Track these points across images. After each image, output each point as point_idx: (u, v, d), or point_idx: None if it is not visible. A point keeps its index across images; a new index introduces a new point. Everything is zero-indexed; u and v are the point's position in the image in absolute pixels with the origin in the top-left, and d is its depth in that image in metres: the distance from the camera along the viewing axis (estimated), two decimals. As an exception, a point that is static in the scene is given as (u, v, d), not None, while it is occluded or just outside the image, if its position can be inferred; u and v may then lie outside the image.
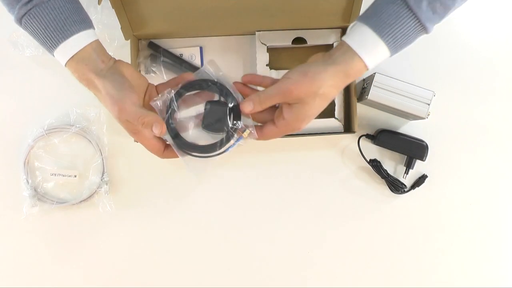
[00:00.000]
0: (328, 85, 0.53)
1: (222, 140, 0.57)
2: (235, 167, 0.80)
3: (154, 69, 0.77)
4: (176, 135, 0.58)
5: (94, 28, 0.57)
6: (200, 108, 0.59)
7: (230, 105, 0.57)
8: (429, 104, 0.71)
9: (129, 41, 0.74)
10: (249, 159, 0.80)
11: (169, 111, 0.58)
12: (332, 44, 0.76)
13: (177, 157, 0.58)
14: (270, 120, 0.58)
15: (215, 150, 0.57)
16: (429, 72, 0.79)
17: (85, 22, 0.55)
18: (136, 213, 0.80)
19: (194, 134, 0.59)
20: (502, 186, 0.79)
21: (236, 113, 0.57)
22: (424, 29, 0.53)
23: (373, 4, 0.55)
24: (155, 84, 0.61)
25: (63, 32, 0.53)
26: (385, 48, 0.53)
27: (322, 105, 0.55)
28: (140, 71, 0.78)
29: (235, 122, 0.57)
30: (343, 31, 0.76)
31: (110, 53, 0.77)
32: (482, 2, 0.80)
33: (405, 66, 0.78)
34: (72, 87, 0.80)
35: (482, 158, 0.79)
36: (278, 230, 0.80)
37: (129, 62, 0.75)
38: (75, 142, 0.80)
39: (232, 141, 0.57)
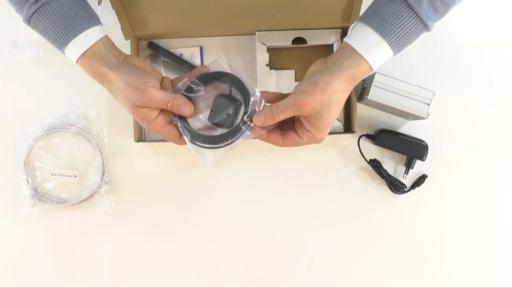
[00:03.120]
0: (340, 91, 0.53)
1: (230, 131, 0.57)
2: (235, 167, 0.80)
3: None
4: (186, 126, 0.58)
5: (102, 24, 0.58)
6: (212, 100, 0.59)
7: (239, 97, 0.57)
8: (429, 104, 0.71)
9: (129, 41, 0.74)
10: (249, 159, 0.80)
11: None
12: (332, 44, 0.76)
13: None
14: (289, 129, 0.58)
15: (224, 141, 0.57)
16: (429, 72, 0.79)
17: (93, 19, 0.56)
18: (136, 213, 0.80)
19: (204, 125, 0.59)
20: (502, 186, 0.79)
21: (248, 105, 0.57)
22: (426, 27, 0.53)
23: (372, 4, 0.55)
24: (172, 78, 0.61)
25: (73, 28, 0.53)
26: (388, 48, 0.53)
27: (337, 111, 0.55)
28: None
29: (246, 116, 0.56)
30: (343, 31, 0.76)
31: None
32: (482, 2, 0.80)
33: (405, 66, 0.78)
34: (72, 87, 0.80)
35: (482, 158, 0.79)
36: (278, 230, 0.80)
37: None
38: (75, 142, 0.80)
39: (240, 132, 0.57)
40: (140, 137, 0.77)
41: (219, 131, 0.58)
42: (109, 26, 0.77)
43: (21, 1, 0.53)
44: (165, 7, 0.70)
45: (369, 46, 0.53)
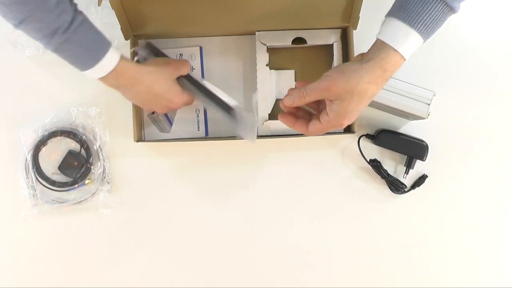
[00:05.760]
0: (365, 81, 0.54)
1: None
2: (236, 167, 0.80)
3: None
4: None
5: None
6: None
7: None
8: (429, 104, 0.71)
9: (129, 41, 0.74)
10: (250, 159, 0.80)
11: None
12: (332, 44, 0.76)
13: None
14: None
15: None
16: (429, 72, 0.79)
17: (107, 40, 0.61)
18: (136, 213, 0.80)
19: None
20: (502, 186, 0.79)
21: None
22: (452, 10, 0.54)
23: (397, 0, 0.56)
24: None
25: (101, 49, 0.59)
26: (417, 36, 0.54)
27: (361, 102, 0.56)
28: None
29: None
30: (343, 31, 0.76)
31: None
32: (482, 2, 0.80)
33: (405, 66, 0.77)
34: (72, 87, 0.80)
35: (482, 158, 0.79)
36: (278, 230, 0.80)
37: (129, 62, 0.75)
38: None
39: None
40: (140, 137, 0.77)
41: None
42: (109, 26, 0.77)
43: (47, 35, 0.55)
44: (165, 7, 0.70)
45: (399, 37, 0.54)
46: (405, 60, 0.55)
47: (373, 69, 0.54)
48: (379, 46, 0.55)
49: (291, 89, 0.60)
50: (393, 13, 0.55)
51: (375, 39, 0.56)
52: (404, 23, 0.53)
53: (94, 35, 0.59)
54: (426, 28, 0.54)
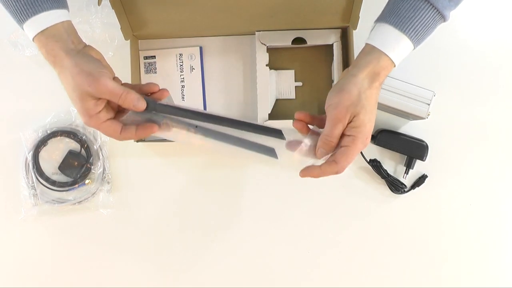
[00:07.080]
0: (366, 88, 0.53)
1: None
2: (236, 167, 0.80)
3: None
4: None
5: (68, 10, 0.56)
6: None
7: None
8: (429, 104, 0.71)
9: (129, 41, 0.74)
10: (250, 159, 0.80)
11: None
12: (332, 44, 0.76)
13: (134, 138, 0.56)
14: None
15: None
16: (429, 72, 0.79)
17: (59, 2, 0.55)
18: (136, 213, 0.80)
19: None
20: (502, 186, 0.79)
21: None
22: (442, 18, 0.54)
23: (387, 5, 0.56)
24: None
25: (34, 7, 0.52)
26: (408, 42, 0.54)
27: (373, 109, 0.54)
28: None
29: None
30: (343, 31, 0.76)
31: (110, 53, 0.78)
32: (482, 2, 0.80)
33: (405, 66, 0.78)
34: (72, 87, 0.80)
35: (482, 158, 0.79)
36: (278, 230, 0.80)
37: (129, 62, 0.75)
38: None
39: None
40: (140, 137, 0.77)
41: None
42: (109, 25, 0.77)
43: None
44: (165, 7, 0.71)
45: (389, 41, 0.53)
46: (395, 66, 0.54)
47: (366, 74, 0.53)
48: (368, 51, 0.54)
49: (320, 145, 0.56)
50: (383, 18, 0.54)
51: (364, 44, 0.55)
52: (396, 28, 0.53)
53: None
54: (416, 34, 0.53)
